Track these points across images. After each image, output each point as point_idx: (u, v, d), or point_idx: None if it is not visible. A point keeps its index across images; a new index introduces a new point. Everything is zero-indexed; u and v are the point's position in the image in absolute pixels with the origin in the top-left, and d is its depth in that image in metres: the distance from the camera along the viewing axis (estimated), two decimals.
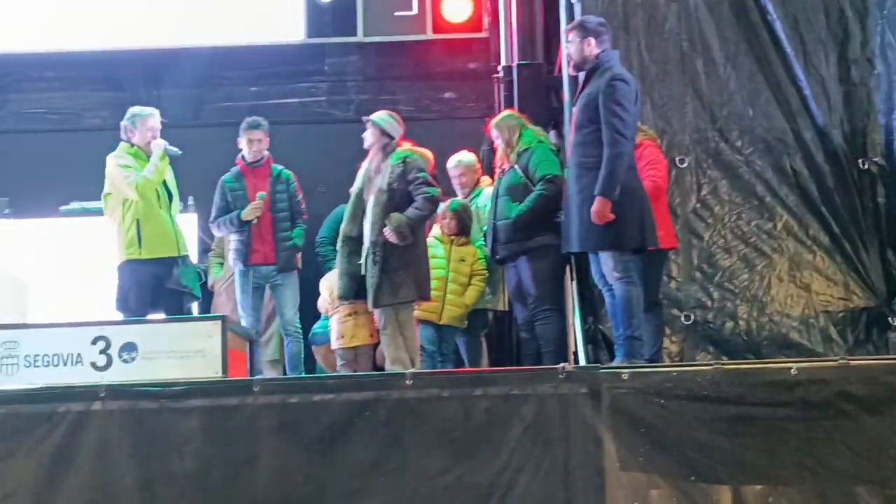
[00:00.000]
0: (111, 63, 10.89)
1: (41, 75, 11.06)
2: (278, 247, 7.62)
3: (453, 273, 7.49)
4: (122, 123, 7.47)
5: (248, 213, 7.57)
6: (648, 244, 6.36)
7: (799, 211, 7.17)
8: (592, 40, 6.36)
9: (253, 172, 7.76)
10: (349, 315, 7.31)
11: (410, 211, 6.91)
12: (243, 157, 7.80)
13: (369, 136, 7.11)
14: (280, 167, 7.85)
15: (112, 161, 7.31)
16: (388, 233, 6.83)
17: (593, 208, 6.13)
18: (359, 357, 7.35)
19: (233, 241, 7.69)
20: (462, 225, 7.60)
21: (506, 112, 7.55)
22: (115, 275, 7.33)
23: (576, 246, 6.39)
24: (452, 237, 7.56)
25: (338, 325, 7.34)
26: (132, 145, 7.38)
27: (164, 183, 7.39)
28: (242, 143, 7.80)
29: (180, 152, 7.54)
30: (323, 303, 7.63)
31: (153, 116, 7.47)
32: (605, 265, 6.31)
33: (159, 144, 7.38)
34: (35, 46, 10.88)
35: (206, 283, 8.62)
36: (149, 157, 7.34)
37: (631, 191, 6.25)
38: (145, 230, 7.21)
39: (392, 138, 7.10)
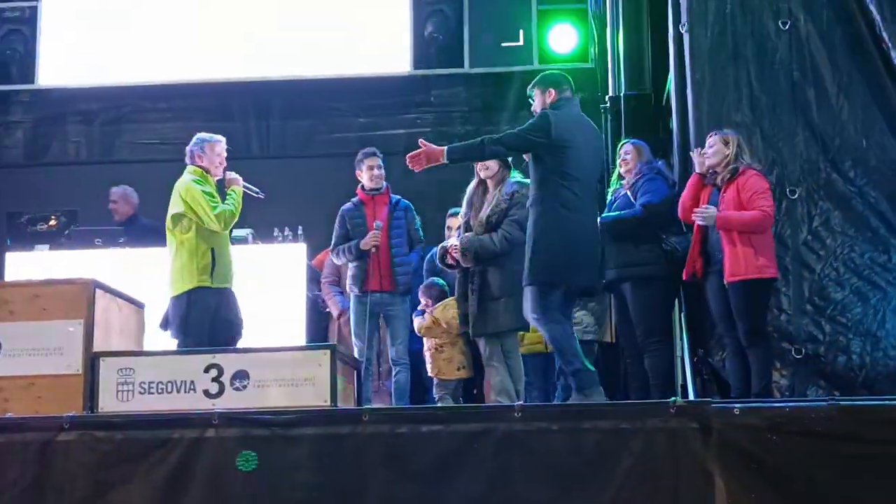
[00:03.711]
0: (222, 94, 11.14)
1: (154, 106, 11.37)
2: (394, 272, 7.69)
3: None
4: (190, 148, 7.46)
5: (367, 242, 7.65)
6: (574, 283, 6.41)
7: None
8: (553, 91, 6.63)
9: (373, 200, 7.85)
10: (437, 347, 7.42)
11: (486, 238, 6.86)
12: (363, 187, 7.89)
13: (492, 166, 7.03)
14: (398, 196, 7.93)
15: (193, 186, 7.25)
16: (453, 248, 6.88)
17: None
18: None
19: (350, 267, 7.77)
20: None
21: (624, 140, 7.58)
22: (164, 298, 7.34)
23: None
24: None
25: (428, 354, 7.48)
26: (202, 169, 7.40)
27: None
28: (363, 171, 7.87)
29: (262, 195, 7.65)
30: (419, 323, 7.64)
31: (221, 143, 7.51)
32: (525, 306, 6.44)
33: (237, 180, 7.46)
34: (149, 78, 11.19)
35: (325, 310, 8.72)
36: (216, 180, 7.40)
37: (554, 228, 6.35)
38: (219, 260, 7.25)
39: (509, 168, 7.09)
